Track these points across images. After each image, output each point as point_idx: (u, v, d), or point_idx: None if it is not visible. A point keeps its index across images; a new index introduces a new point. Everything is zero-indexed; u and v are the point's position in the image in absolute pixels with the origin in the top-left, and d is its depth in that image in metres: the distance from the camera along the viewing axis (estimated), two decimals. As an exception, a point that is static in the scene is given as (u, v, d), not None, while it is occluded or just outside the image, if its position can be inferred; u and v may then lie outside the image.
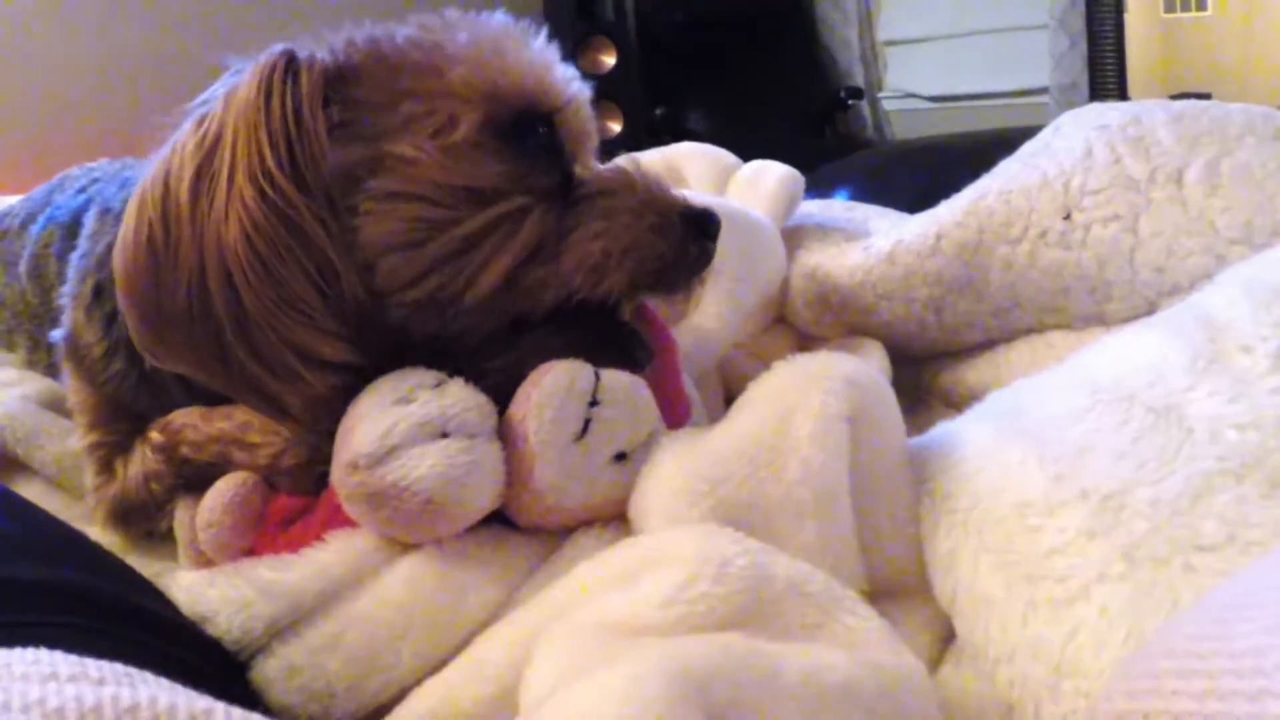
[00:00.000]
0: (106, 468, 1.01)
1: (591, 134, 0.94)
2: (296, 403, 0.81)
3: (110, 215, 1.03)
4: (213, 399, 0.91)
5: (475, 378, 0.81)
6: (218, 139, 0.79)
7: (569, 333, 0.85)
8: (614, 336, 0.88)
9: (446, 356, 0.82)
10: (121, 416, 1.00)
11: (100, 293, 0.98)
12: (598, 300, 0.85)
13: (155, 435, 0.95)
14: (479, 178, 0.82)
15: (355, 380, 0.81)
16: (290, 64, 0.81)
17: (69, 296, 1.02)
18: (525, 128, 0.85)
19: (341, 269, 0.80)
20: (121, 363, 0.97)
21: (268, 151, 0.78)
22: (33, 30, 3.32)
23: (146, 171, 0.82)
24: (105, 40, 3.39)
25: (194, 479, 0.93)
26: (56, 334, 1.04)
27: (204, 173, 0.79)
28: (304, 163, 0.79)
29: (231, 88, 0.82)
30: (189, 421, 0.93)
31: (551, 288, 0.83)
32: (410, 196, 0.81)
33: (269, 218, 0.77)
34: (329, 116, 0.81)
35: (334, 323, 0.80)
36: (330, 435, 0.80)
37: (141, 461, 0.97)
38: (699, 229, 0.89)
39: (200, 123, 0.81)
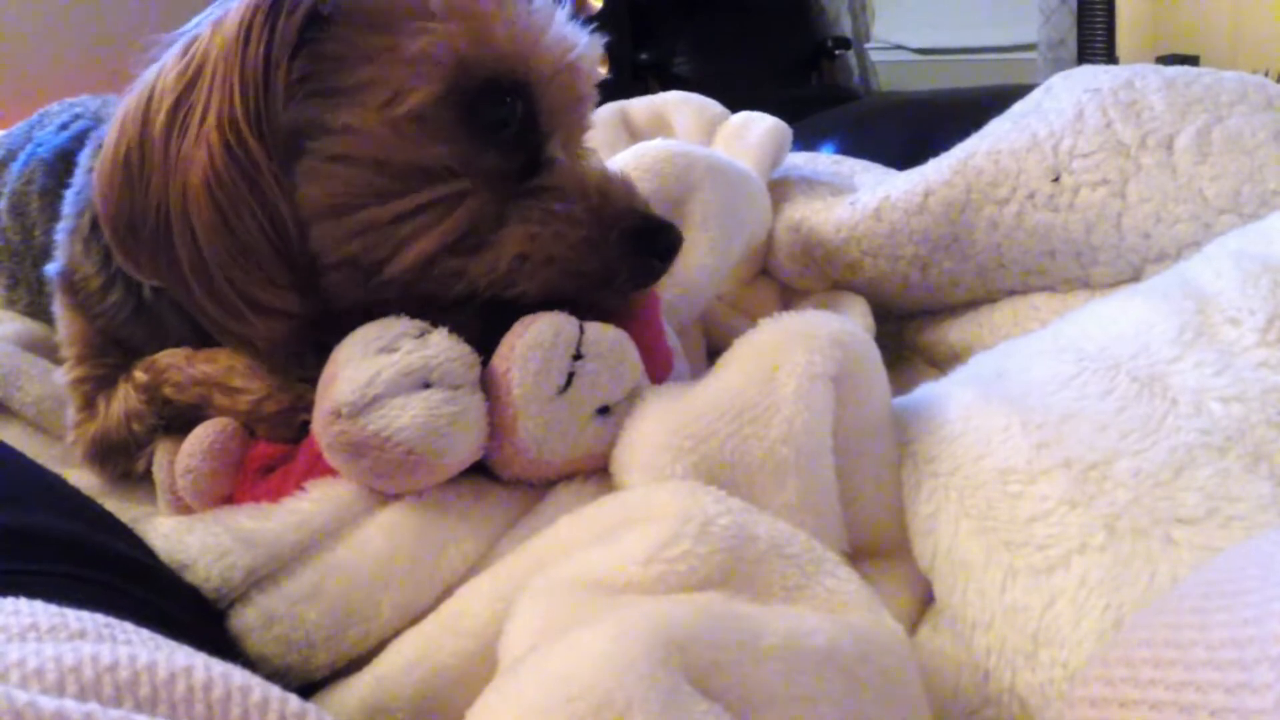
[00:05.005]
0: (89, 404, 1.00)
1: (581, 111, 0.92)
2: (248, 340, 0.84)
3: None
4: (206, 335, 0.90)
5: None
6: (198, 73, 0.79)
7: (488, 318, 0.82)
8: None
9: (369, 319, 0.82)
10: (112, 349, 0.99)
11: (98, 225, 0.97)
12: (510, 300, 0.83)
13: (139, 374, 0.94)
14: (419, 156, 0.81)
15: (305, 326, 0.83)
16: (275, 4, 0.80)
17: (64, 231, 1.01)
18: (493, 101, 0.83)
19: (292, 228, 0.80)
20: (119, 293, 0.96)
21: (237, 100, 0.78)
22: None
23: (133, 88, 0.82)
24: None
25: (175, 420, 0.92)
26: (51, 268, 1.02)
27: (181, 105, 0.79)
28: (266, 116, 0.79)
29: (220, 18, 0.81)
30: (173, 362, 0.92)
31: (462, 281, 0.82)
32: (348, 163, 0.80)
33: (229, 169, 0.78)
34: (294, 70, 0.80)
35: (284, 274, 0.81)
36: (312, 383, 0.80)
37: (124, 400, 0.96)
38: (647, 246, 0.86)
39: (186, 49, 0.81)
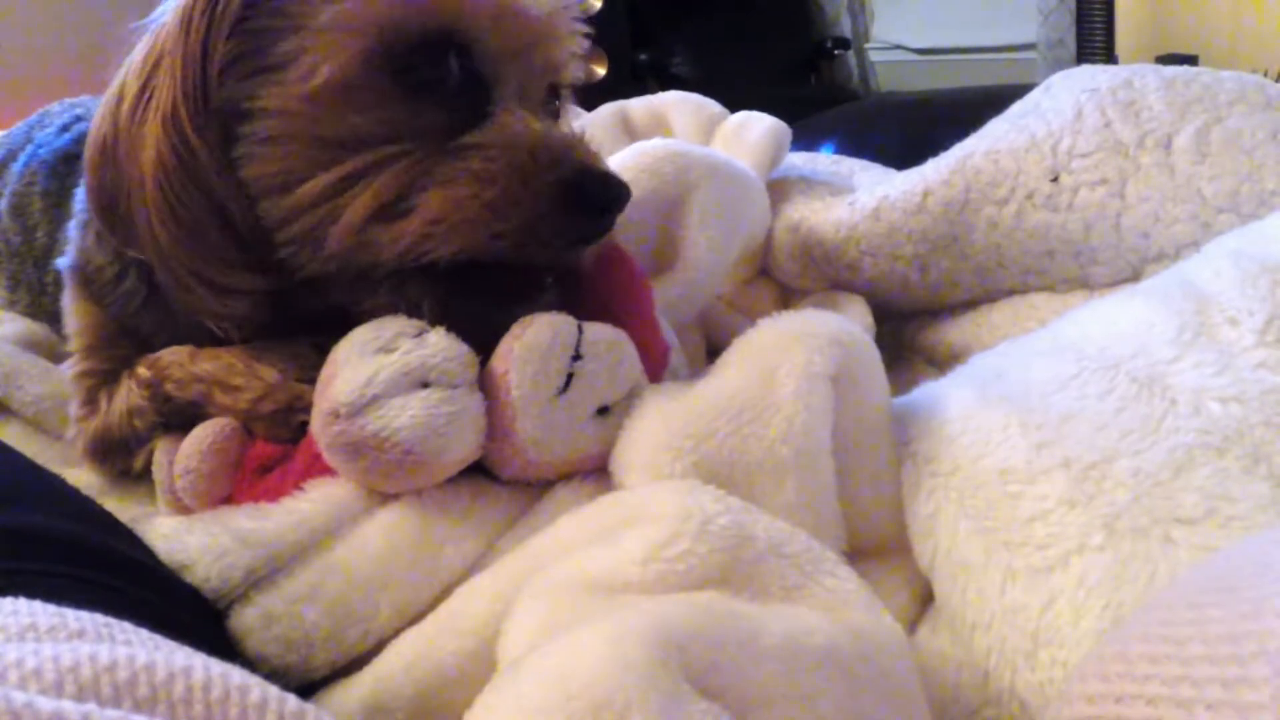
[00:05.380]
0: (91, 400, 1.00)
1: (532, 58, 0.87)
2: (221, 318, 0.87)
3: None
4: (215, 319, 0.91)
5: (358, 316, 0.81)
6: (159, 58, 0.81)
7: (439, 282, 0.82)
8: (482, 289, 0.84)
9: (329, 292, 0.84)
10: (122, 340, 0.99)
11: None
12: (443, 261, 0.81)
13: (142, 370, 0.94)
14: (343, 128, 0.80)
15: (272, 303, 0.86)
16: None
17: (76, 226, 1.01)
18: (428, 59, 0.81)
19: (236, 208, 0.82)
20: (132, 282, 0.96)
21: (179, 87, 0.79)
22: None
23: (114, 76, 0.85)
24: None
25: (175, 418, 0.93)
26: (62, 262, 1.03)
27: (144, 92, 0.81)
28: (204, 101, 0.80)
29: (177, 4, 0.82)
30: (176, 359, 0.93)
31: (390, 248, 0.80)
32: (279, 144, 0.80)
33: (171, 156, 0.80)
34: (229, 50, 0.80)
35: (233, 254, 0.83)
36: (310, 382, 0.80)
37: (126, 396, 0.96)
38: (580, 201, 0.82)
39: (155, 35, 0.83)
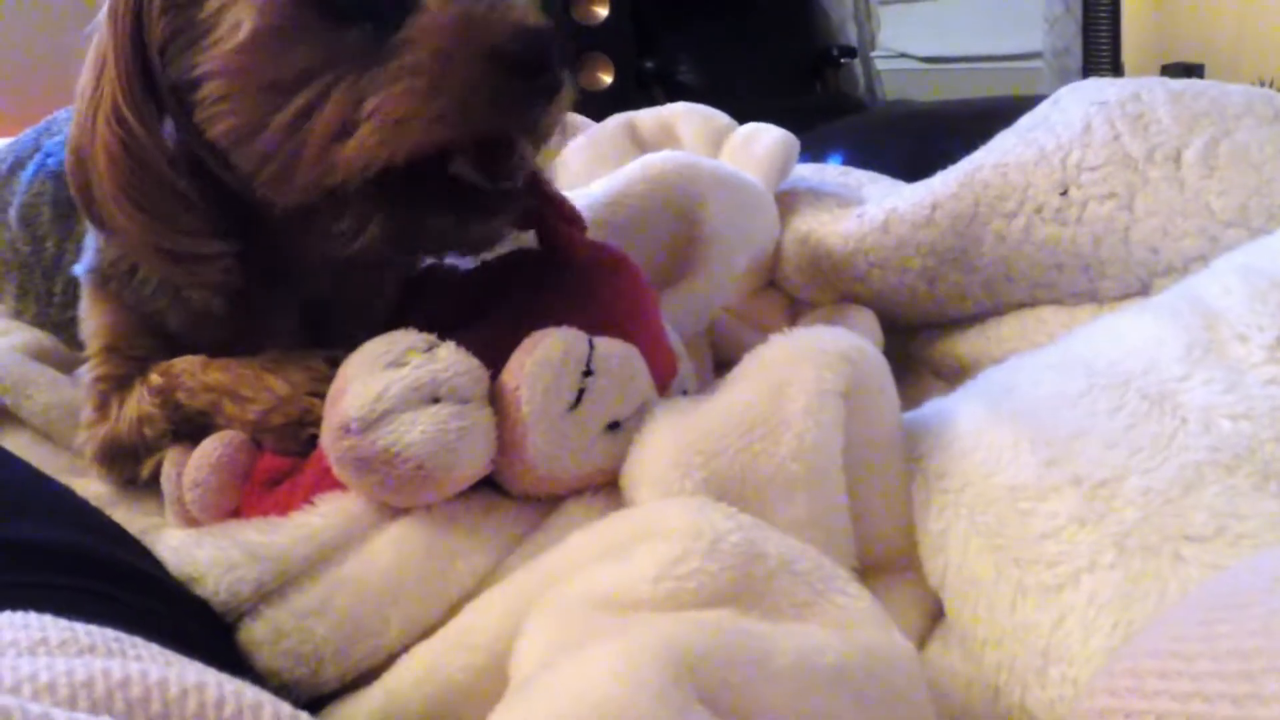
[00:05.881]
0: (103, 405, 1.01)
1: None
2: (194, 287, 0.93)
3: None
4: (240, 314, 0.95)
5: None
6: (101, 65, 0.84)
7: (398, 197, 0.83)
8: (445, 193, 0.84)
9: (312, 221, 0.85)
10: (143, 340, 1.01)
11: None
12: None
13: (155, 377, 0.95)
14: (281, 70, 0.80)
15: (237, 265, 0.89)
16: None
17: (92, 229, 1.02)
18: None
19: (187, 179, 0.86)
20: (144, 270, 0.98)
21: (118, 85, 0.83)
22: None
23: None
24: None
25: (184, 427, 0.93)
26: (79, 267, 1.04)
27: (95, 95, 0.85)
28: (141, 86, 0.84)
29: (110, 6, 0.84)
30: (188, 368, 0.94)
31: (350, 164, 0.80)
32: (228, 99, 0.81)
33: (118, 148, 0.83)
34: (164, 31, 0.82)
35: (193, 223, 0.87)
36: (321, 396, 0.80)
37: (137, 403, 0.97)
38: (510, 63, 0.79)
39: (98, 37, 0.85)
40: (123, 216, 0.85)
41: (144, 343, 1.00)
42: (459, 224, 0.84)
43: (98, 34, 0.85)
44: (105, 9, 0.84)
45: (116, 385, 1.01)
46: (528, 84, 0.80)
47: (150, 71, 0.84)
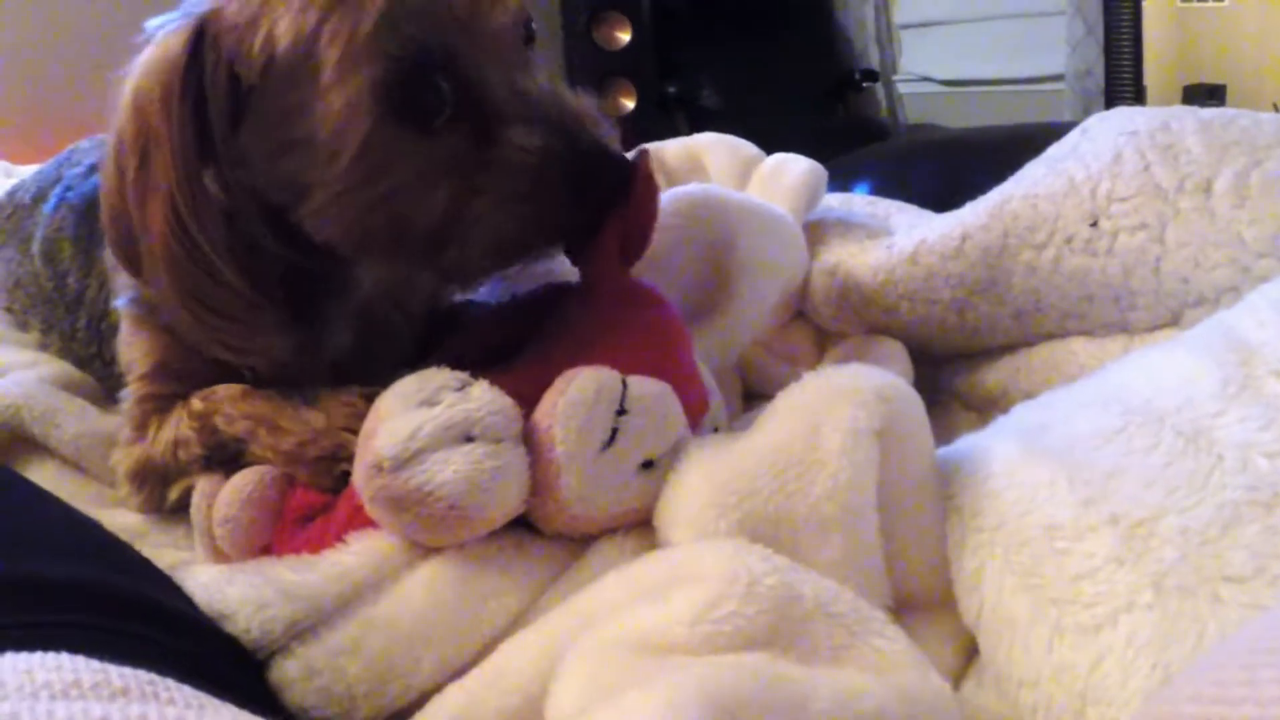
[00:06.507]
0: (142, 426, 1.02)
1: (505, 34, 0.88)
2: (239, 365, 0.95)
3: None
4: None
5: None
6: (147, 135, 0.83)
7: None
8: None
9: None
10: (190, 362, 1.00)
11: None
12: None
13: (196, 402, 0.96)
14: (380, 186, 0.84)
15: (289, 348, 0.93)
16: (195, 54, 0.83)
17: None
18: (420, 89, 0.83)
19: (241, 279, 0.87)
20: None
21: (179, 187, 0.83)
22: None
23: (109, 130, 0.88)
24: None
25: (219, 453, 0.94)
26: (119, 301, 1.05)
27: (141, 171, 0.84)
28: (201, 191, 0.85)
29: (153, 70, 0.84)
30: (229, 394, 0.95)
31: (446, 263, 0.88)
32: (330, 212, 0.86)
33: (179, 249, 0.84)
34: (240, 84, 0.83)
35: (254, 318, 0.89)
36: (356, 432, 0.80)
37: (175, 425, 0.98)
38: (607, 202, 0.88)
39: (136, 99, 0.84)
40: (179, 306, 0.86)
41: (191, 367, 1.00)
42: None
43: (133, 89, 0.84)
44: (154, 80, 0.83)
45: (158, 407, 1.02)
46: (607, 205, 0.88)
47: (208, 154, 0.85)
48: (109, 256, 1.05)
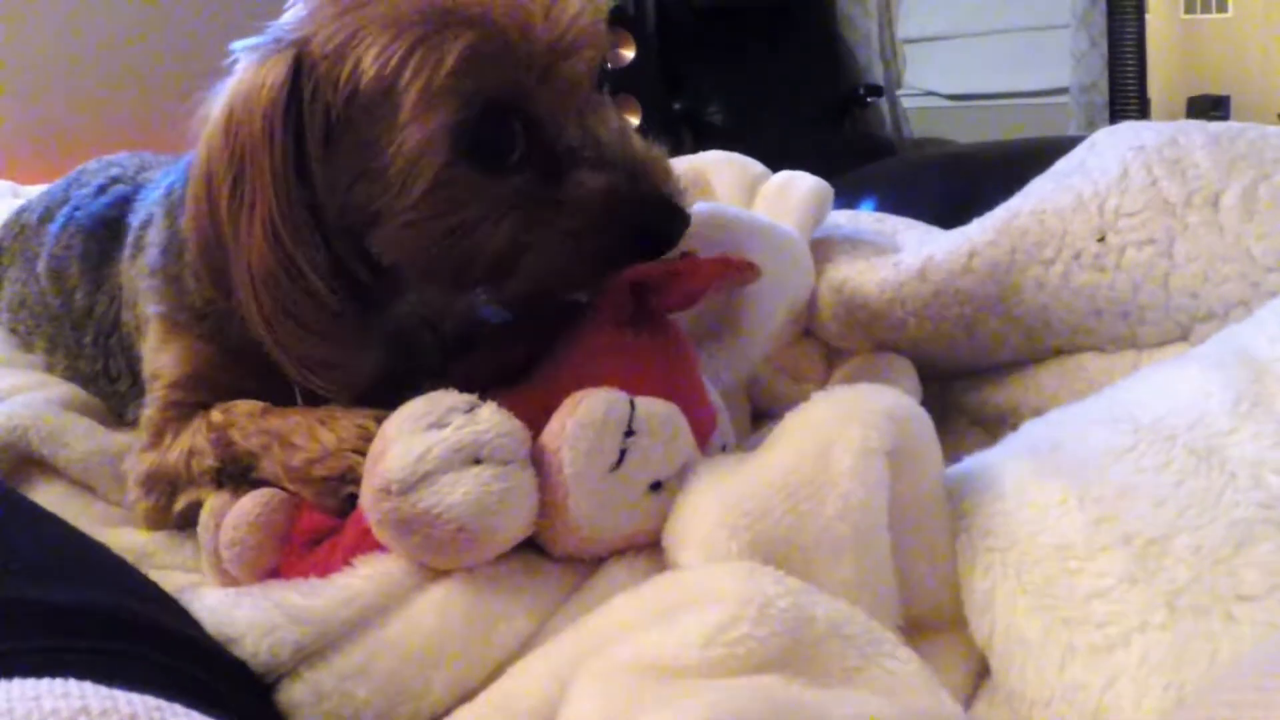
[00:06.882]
0: (160, 434, 1.03)
1: (580, 85, 0.91)
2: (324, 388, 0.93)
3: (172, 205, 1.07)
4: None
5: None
6: (243, 160, 0.85)
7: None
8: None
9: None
10: (225, 371, 1.02)
11: None
12: None
13: (215, 415, 0.97)
14: (448, 220, 0.87)
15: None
16: (295, 81, 0.84)
17: (166, 279, 1.05)
18: (494, 130, 0.86)
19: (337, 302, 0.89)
20: None
21: (271, 200, 0.84)
22: (43, 15, 3.30)
23: (195, 151, 0.89)
24: (117, 22, 3.37)
25: (231, 467, 0.95)
26: (152, 308, 1.07)
27: (236, 190, 0.85)
28: (296, 212, 0.86)
29: (252, 96, 0.85)
30: (248, 410, 0.96)
31: (505, 291, 0.94)
32: (400, 240, 0.89)
33: (279, 271, 0.86)
34: (330, 112, 0.85)
35: (346, 337, 0.91)
36: (363, 453, 0.81)
37: (192, 435, 0.98)
38: (659, 248, 0.91)
39: (228, 124, 0.85)
40: (273, 326, 0.88)
41: (224, 380, 1.02)
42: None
43: (223, 111, 0.86)
44: (251, 106, 0.84)
45: (178, 416, 1.02)
46: (660, 253, 0.91)
47: (306, 183, 0.87)
48: (150, 262, 1.06)
